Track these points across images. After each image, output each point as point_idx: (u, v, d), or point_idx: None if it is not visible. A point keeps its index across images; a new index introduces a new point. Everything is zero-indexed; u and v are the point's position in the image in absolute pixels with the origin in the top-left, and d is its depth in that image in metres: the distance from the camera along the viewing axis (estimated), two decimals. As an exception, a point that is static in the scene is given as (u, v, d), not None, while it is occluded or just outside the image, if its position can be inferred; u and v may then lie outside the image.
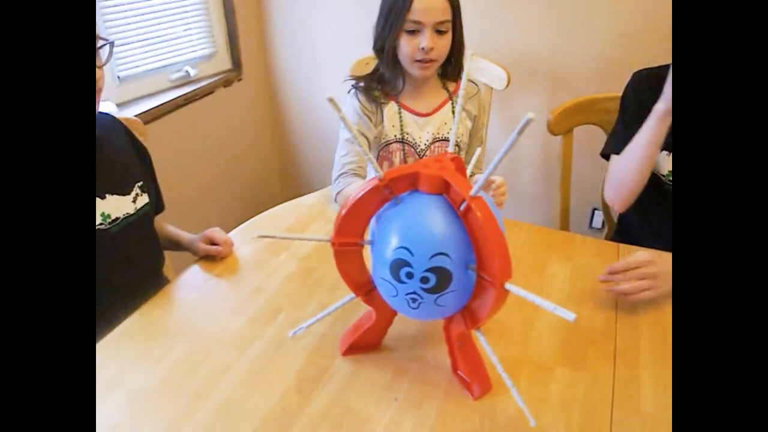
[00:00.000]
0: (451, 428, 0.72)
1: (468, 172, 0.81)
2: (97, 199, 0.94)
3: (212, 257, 1.05)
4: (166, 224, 1.17)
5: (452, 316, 0.74)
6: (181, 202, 1.88)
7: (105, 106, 1.50)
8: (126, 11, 1.63)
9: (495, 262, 0.63)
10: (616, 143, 1.14)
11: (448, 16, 1.13)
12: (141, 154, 1.09)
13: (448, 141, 0.79)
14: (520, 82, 1.75)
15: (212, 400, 0.75)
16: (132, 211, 1.00)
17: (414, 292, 0.68)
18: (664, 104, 1.00)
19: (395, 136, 1.24)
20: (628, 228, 1.30)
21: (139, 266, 1.02)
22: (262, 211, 1.24)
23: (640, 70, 1.15)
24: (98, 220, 0.94)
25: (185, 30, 1.85)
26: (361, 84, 1.24)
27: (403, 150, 1.25)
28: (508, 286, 0.64)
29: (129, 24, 1.65)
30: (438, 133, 1.26)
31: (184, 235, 1.14)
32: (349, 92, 1.25)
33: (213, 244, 1.06)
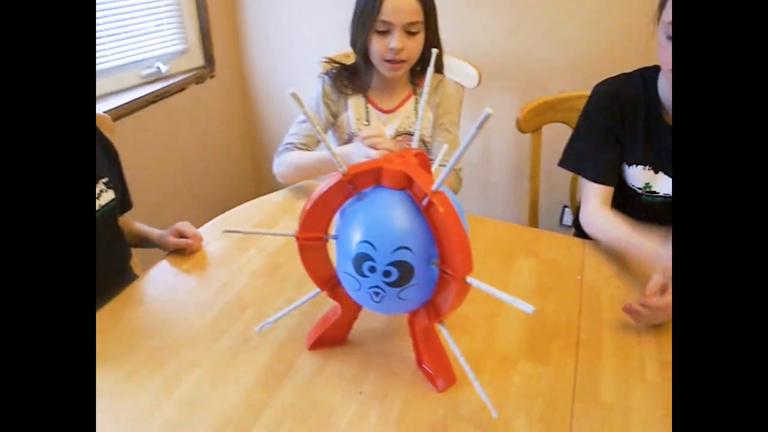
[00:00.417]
0: (415, 421, 0.73)
1: (434, 167, 0.81)
2: None
3: (181, 252, 1.05)
4: (135, 221, 1.16)
5: (416, 310, 0.74)
6: (151, 200, 1.85)
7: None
8: (96, 5, 1.60)
9: (456, 256, 0.64)
10: (578, 160, 1.15)
11: (419, 18, 1.13)
12: (107, 150, 1.07)
13: (412, 135, 0.80)
14: (492, 80, 1.77)
15: (176, 396, 0.75)
16: (96, 208, 0.99)
17: (377, 286, 0.68)
18: (664, 254, 0.93)
19: (360, 129, 1.25)
20: None
21: (103, 263, 1.01)
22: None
23: (601, 83, 1.13)
24: None
25: (157, 25, 1.83)
26: (333, 71, 1.25)
27: None
28: (469, 279, 0.64)
29: (99, 18, 1.62)
30: (401, 128, 1.26)
31: (153, 231, 1.13)
32: (318, 75, 1.26)
33: (182, 237, 1.05)
